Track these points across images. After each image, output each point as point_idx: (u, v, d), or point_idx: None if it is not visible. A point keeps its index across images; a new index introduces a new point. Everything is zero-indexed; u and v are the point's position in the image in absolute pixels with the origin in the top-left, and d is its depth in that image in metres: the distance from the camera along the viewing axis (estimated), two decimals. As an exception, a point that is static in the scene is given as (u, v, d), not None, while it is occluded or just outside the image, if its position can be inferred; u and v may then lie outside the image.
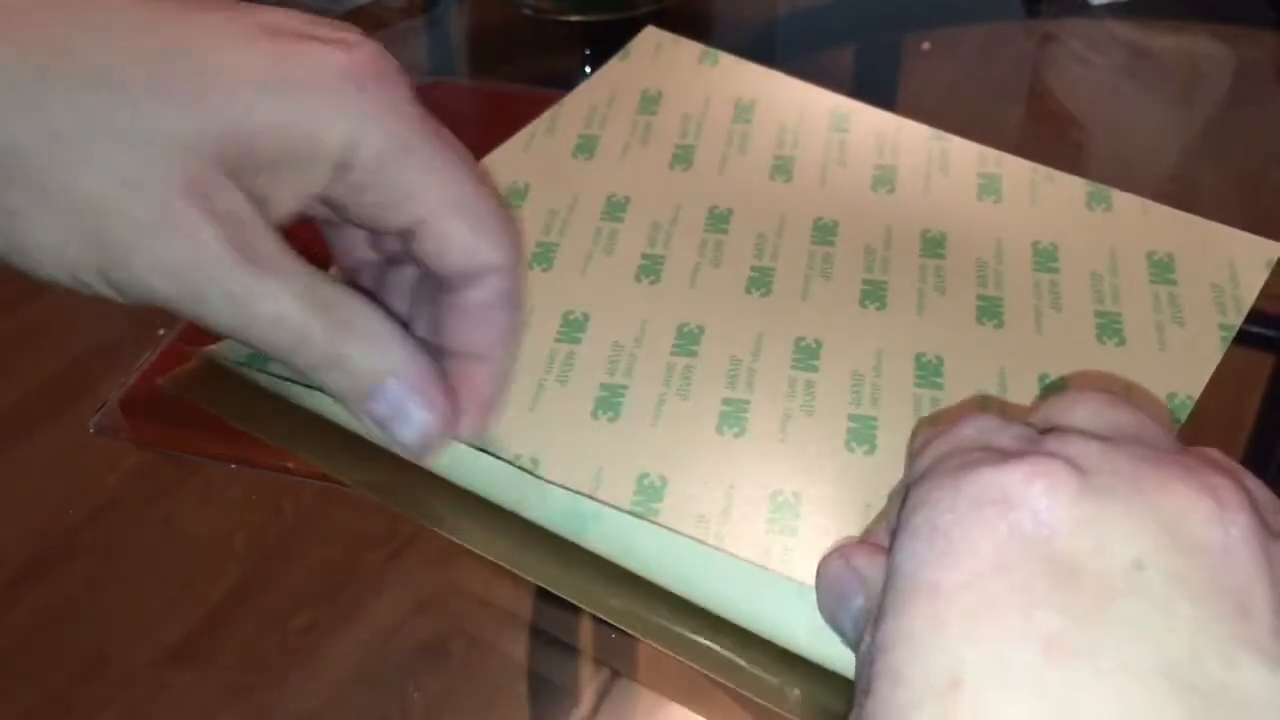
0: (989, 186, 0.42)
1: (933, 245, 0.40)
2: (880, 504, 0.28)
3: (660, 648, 0.28)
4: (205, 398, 0.35)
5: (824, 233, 0.41)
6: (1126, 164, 0.45)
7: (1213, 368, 0.35)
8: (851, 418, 0.34)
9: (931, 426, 0.25)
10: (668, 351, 0.36)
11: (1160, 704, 0.17)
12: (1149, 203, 0.41)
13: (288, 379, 0.34)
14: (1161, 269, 0.39)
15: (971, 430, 0.23)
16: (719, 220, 0.41)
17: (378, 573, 0.33)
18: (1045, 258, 0.39)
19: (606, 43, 0.52)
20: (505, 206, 0.29)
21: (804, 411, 0.34)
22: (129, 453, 0.36)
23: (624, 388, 0.35)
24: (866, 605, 0.24)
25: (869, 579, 0.24)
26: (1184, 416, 0.34)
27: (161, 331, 0.39)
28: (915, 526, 0.20)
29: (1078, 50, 0.53)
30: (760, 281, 0.39)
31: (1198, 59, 0.53)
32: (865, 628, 0.23)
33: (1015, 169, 0.43)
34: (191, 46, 0.24)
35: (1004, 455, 0.21)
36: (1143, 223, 0.41)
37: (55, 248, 0.24)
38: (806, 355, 0.36)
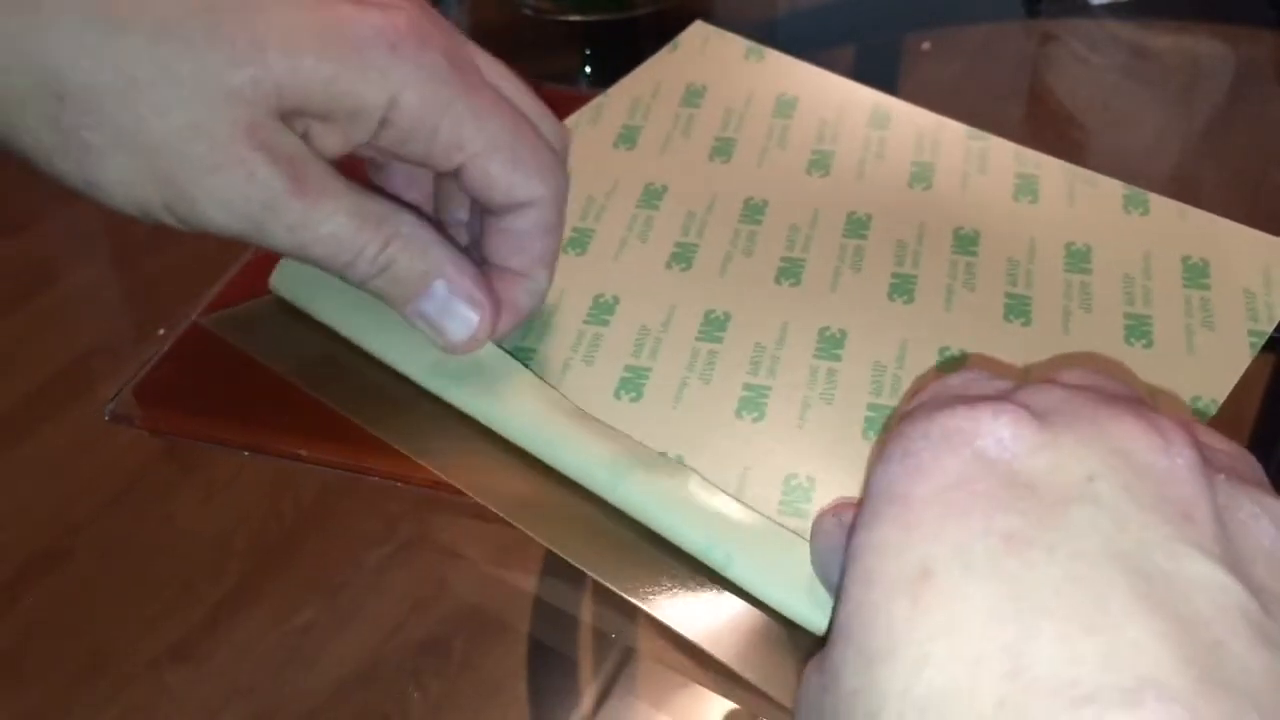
0: (1026, 187, 0.42)
1: (965, 242, 0.40)
2: None
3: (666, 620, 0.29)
4: (245, 339, 0.37)
5: (857, 226, 0.41)
6: (1127, 164, 0.45)
7: (1240, 373, 0.35)
8: (870, 407, 0.34)
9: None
10: (693, 336, 0.37)
11: (1109, 581, 0.18)
12: (1187, 207, 0.41)
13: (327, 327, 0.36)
14: (1195, 273, 0.39)
15: (957, 381, 0.25)
16: (754, 211, 0.42)
17: (378, 573, 0.33)
18: (1078, 259, 0.39)
19: (606, 43, 0.52)
20: (546, 143, 0.32)
21: (824, 400, 0.35)
22: (130, 453, 0.36)
23: (648, 370, 0.36)
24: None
25: (841, 521, 0.26)
26: (1208, 419, 0.34)
27: (161, 331, 0.39)
28: (889, 453, 0.22)
29: (1078, 50, 0.53)
30: (790, 272, 0.39)
31: (1198, 59, 0.53)
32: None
33: (1053, 170, 0.43)
34: (247, 6, 0.27)
35: (979, 398, 0.22)
36: (1179, 227, 0.41)
37: (126, 183, 0.27)
38: (830, 345, 0.36)
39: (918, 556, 0.20)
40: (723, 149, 0.45)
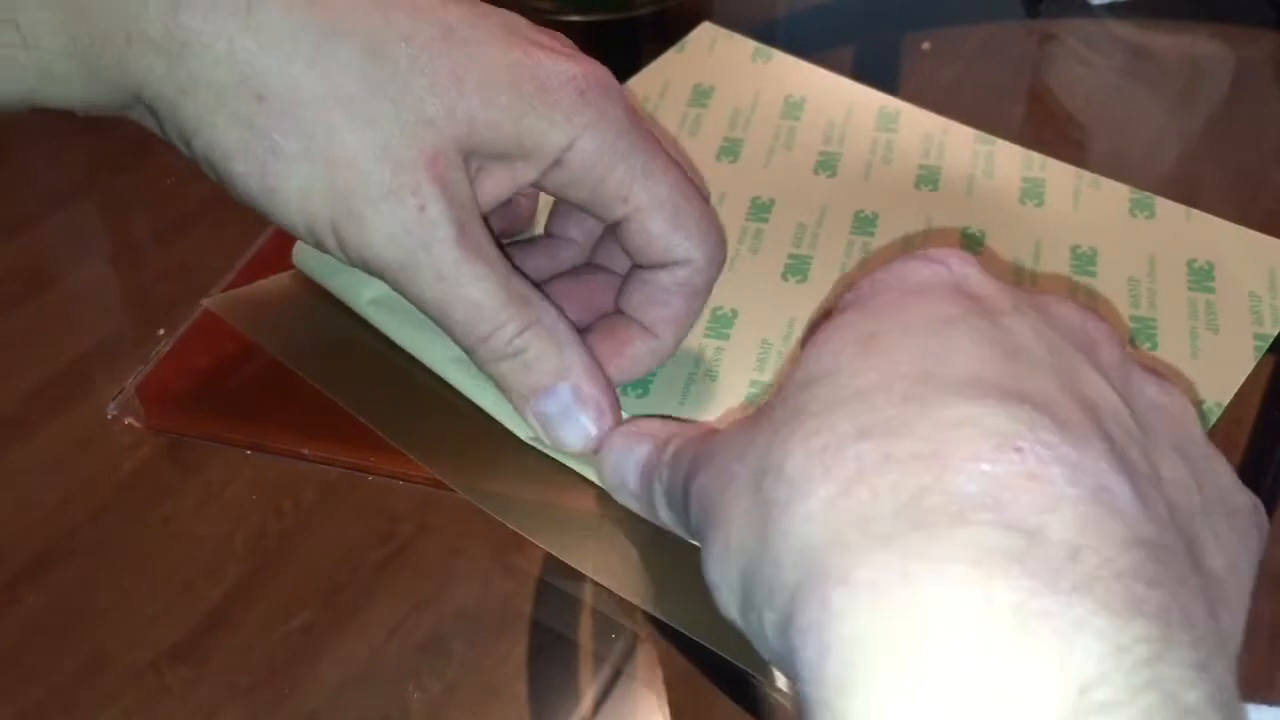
0: (1032, 191, 0.43)
1: (972, 242, 0.40)
2: None
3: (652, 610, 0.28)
4: (244, 323, 0.36)
5: (864, 224, 0.41)
6: (1127, 164, 0.45)
7: (1244, 375, 0.35)
8: None
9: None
10: (701, 333, 0.37)
11: (1028, 349, 0.21)
12: (1193, 211, 0.41)
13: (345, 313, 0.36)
14: (1201, 276, 0.39)
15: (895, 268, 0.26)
16: (761, 210, 0.42)
17: (378, 573, 0.33)
18: (1084, 261, 0.39)
19: (607, 43, 0.52)
20: (709, 207, 0.32)
21: None
22: (130, 453, 0.36)
23: (654, 370, 0.36)
24: (654, 455, 0.27)
25: (655, 434, 0.28)
26: (1212, 422, 0.34)
27: (161, 331, 0.39)
28: (845, 298, 0.24)
29: (1078, 50, 0.53)
30: (797, 269, 0.39)
31: (1198, 59, 0.53)
32: (653, 471, 0.27)
33: (1060, 174, 0.43)
34: (452, 37, 0.27)
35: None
36: (1184, 230, 0.41)
37: (302, 193, 0.27)
38: None
39: (870, 328, 0.22)
40: (730, 149, 0.45)
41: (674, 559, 0.30)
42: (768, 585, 0.19)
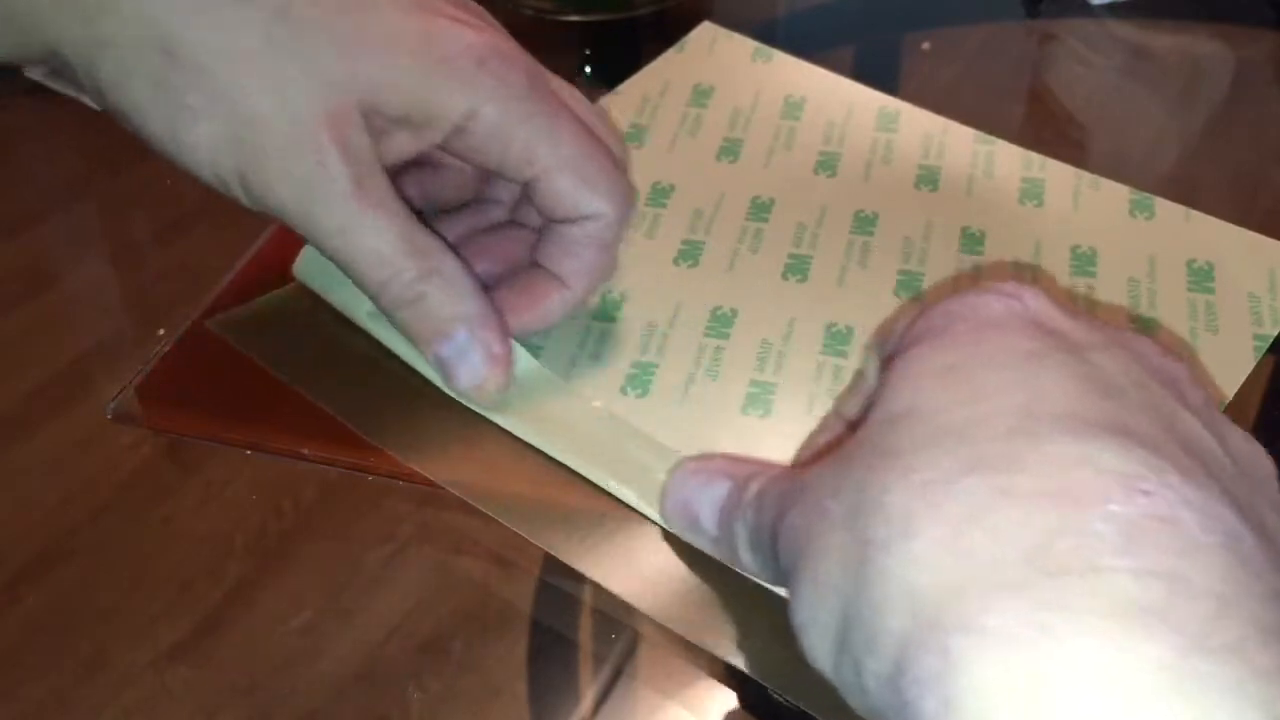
0: (1031, 191, 0.43)
1: (972, 241, 0.40)
2: None
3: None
4: (247, 343, 0.37)
5: (864, 224, 0.41)
6: (1127, 164, 0.45)
7: (1244, 376, 0.35)
8: None
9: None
10: (700, 333, 0.37)
11: (1120, 388, 0.21)
12: (1192, 212, 0.41)
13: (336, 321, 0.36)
14: (1200, 277, 0.39)
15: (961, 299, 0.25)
16: (761, 209, 0.42)
17: (378, 573, 0.33)
18: (1084, 262, 0.39)
19: (606, 43, 0.52)
20: (617, 160, 0.33)
21: (830, 396, 0.35)
22: (130, 453, 0.36)
23: (655, 366, 0.36)
24: (736, 495, 0.27)
25: (733, 474, 0.28)
26: None
27: (161, 331, 0.39)
28: (918, 328, 0.24)
29: (1078, 50, 0.53)
30: (797, 268, 0.39)
31: (1198, 59, 0.53)
32: (735, 512, 0.26)
33: (1059, 174, 0.43)
34: (359, 3, 0.29)
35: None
36: (1184, 231, 0.41)
37: (213, 148, 0.28)
38: (837, 341, 0.36)
39: (947, 361, 0.21)
40: (730, 149, 0.45)
41: (674, 560, 0.30)
42: (867, 631, 0.18)
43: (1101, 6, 0.55)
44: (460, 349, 0.31)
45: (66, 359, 0.40)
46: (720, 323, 0.37)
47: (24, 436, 0.37)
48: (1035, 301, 0.23)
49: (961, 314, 0.23)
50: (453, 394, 0.33)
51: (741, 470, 0.27)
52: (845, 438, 0.27)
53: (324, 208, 0.29)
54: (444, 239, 0.32)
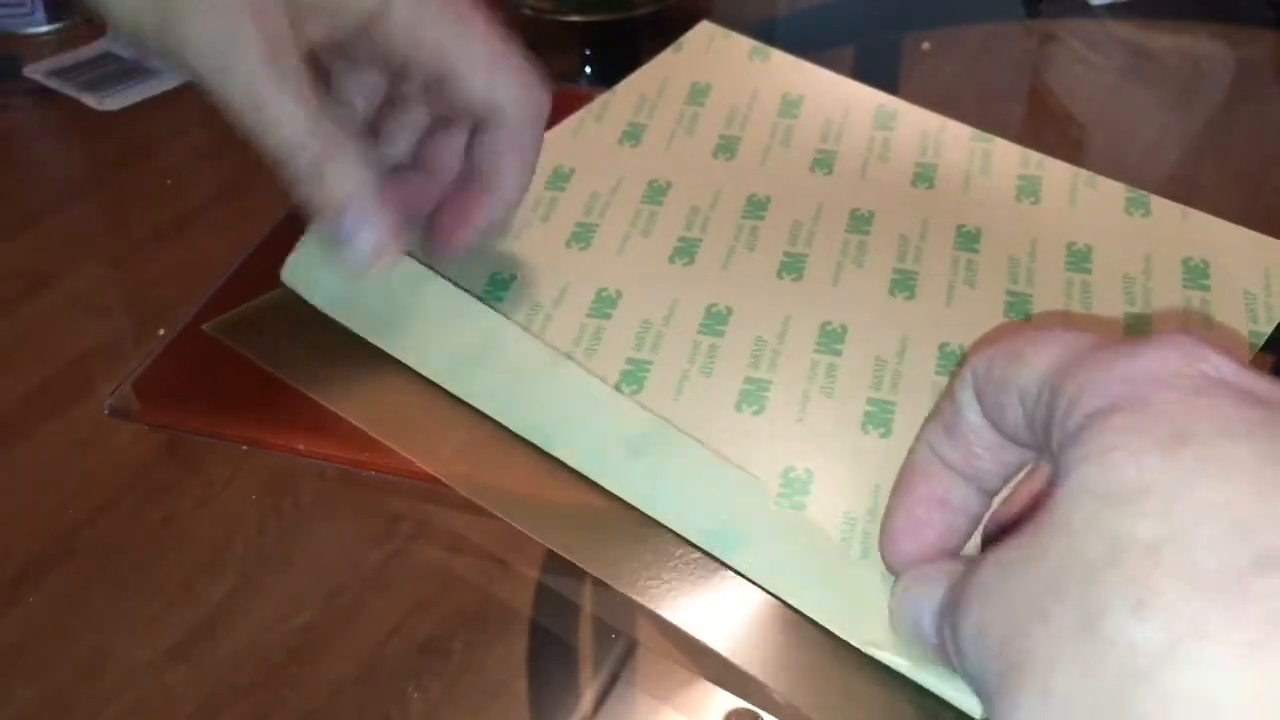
0: (1028, 188, 0.43)
1: (968, 240, 0.40)
2: (889, 486, 0.28)
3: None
4: (243, 342, 0.37)
5: (860, 222, 0.41)
6: (1126, 163, 0.45)
7: None
8: (870, 401, 0.34)
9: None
10: (695, 330, 0.37)
11: None
12: (1189, 210, 0.42)
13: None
14: (1196, 274, 0.39)
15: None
16: (757, 207, 0.42)
17: (378, 573, 0.33)
18: (1079, 258, 0.40)
19: (606, 43, 0.52)
20: (527, 64, 0.34)
21: (824, 393, 0.35)
22: (129, 453, 0.36)
23: (649, 363, 0.36)
24: (947, 596, 0.24)
25: (952, 573, 0.24)
26: None
27: (161, 331, 0.39)
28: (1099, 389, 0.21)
29: (1078, 50, 0.53)
30: (792, 266, 0.39)
31: (1198, 59, 0.53)
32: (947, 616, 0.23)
33: (1056, 172, 0.43)
34: None
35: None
36: (1181, 228, 0.41)
37: (136, 4, 0.30)
38: (831, 339, 0.36)
39: (1167, 432, 0.18)
40: (726, 147, 0.45)
41: (674, 551, 0.30)
42: None
43: (1101, 6, 0.55)
44: (354, 225, 0.32)
45: (66, 359, 0.40)
46: (715, 320, 0.37)
47: (24, 436, 0.37)
48: (1220, 360, 0.20)
49: (1144, 378, 0.20)
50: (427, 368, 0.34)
51: (959, 568, 0.23)
52: (1018, 515, 0.26)
53: (236, 77, 0.30)
54: (356, 128, 0.34)
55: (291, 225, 0.37)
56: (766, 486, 0.32)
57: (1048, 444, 0.22)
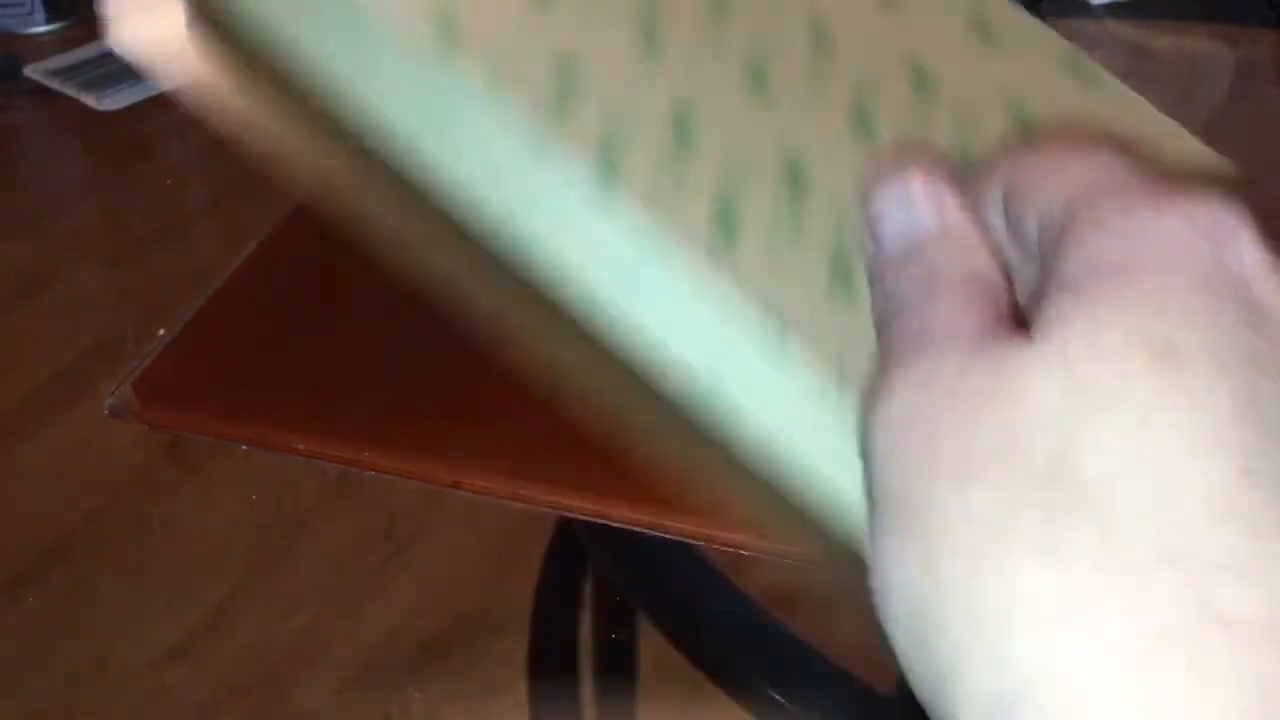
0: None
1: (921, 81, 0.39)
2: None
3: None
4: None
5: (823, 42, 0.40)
6: (1126, 164, 0.45)
7: None
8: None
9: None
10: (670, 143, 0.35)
11: None
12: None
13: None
14: None
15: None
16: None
17: (378, 573, 0.33)
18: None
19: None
20: None
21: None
22: (130, 452, 0.36)
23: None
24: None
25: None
26: None
27: (161, 331, 0.39)
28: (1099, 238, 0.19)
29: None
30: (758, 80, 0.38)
31: (1198, 59, 0.53)
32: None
33: None
34: None
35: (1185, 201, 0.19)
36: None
37: None
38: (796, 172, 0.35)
39: (1161, 331, 0.17)
40: None
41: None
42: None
43: (1101, 6, 0.55)
44: None
45: (66, 359, 0.40)
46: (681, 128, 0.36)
47: (24, 436, 0.37)
48: (1252, 256, 0.19)
49: (1166, 248, 0.19)
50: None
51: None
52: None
53: None
54: None
55: (292, 226, 0.37)
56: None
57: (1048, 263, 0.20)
